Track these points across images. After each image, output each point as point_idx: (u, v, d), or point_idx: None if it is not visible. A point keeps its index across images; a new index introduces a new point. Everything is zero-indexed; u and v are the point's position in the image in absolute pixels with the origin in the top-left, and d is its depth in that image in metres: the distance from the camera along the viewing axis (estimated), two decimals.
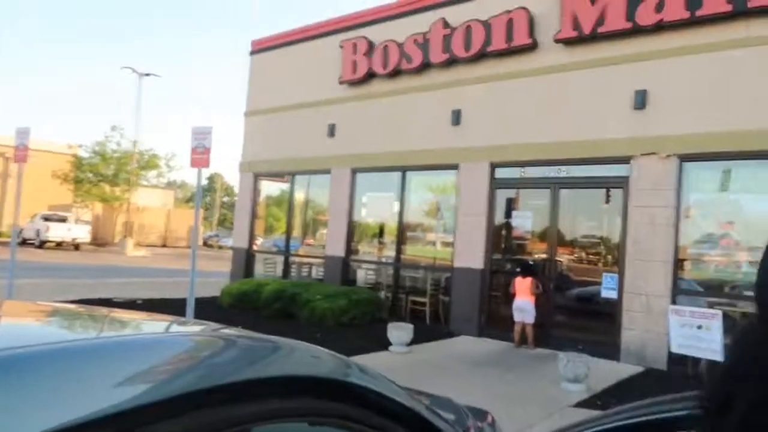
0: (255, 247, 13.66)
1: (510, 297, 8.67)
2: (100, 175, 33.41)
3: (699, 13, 7.52)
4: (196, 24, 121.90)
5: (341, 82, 11.59)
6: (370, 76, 11.16)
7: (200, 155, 8.03)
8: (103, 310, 1.88)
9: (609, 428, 1.61)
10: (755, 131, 7.19)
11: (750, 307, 7.45)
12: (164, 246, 38.74)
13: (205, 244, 42.52)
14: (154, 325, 1.85)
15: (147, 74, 33.18)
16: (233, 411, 1.12)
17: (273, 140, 13.02)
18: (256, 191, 13.55)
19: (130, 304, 10.11)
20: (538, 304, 8.41)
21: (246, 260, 13.33)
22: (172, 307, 9.51)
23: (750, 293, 7.40)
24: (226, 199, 72.28)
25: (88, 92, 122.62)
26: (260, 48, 13.79)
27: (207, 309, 10.43)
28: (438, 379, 6.39)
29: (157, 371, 1.10)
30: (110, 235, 35.79)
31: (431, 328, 9.73)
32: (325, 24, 12.39)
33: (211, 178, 69.04)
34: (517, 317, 8.43)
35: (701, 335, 6.42)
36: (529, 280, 8.39)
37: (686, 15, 7.62)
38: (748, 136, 7.24)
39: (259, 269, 13.23)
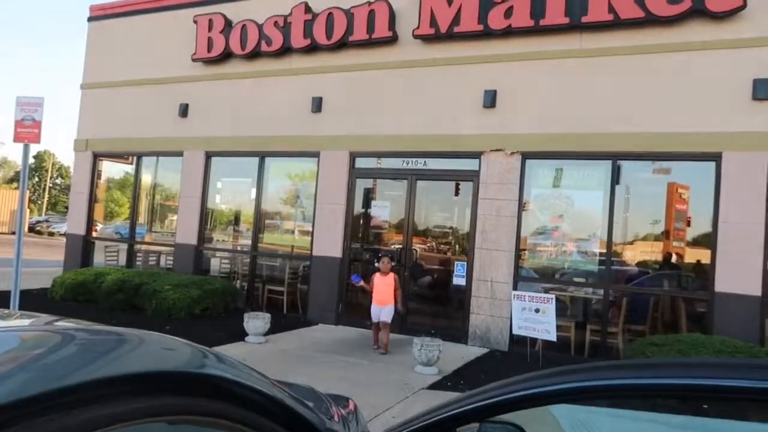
0: (94, 234, 12.45)
1: (368, 294, 7.93)
2: None
3: (542, 22, 8.18)
4: None
5: (194, 60, 10.91)
6: (227, 55, 10.65)
7: (28, 129, 7.09)
8: None
9: (490, 404, 1.67)
10: (584, 134, 8.02)
11: (577, 292, 8.36)
12: None
13: (32, 230, 37.91)
14: None
15: None
16: (77, 417, 0.96)
17: (116, 117, 11.92)
18: (95, 172, 12.31)
19: None
20: (397, 297, 7.71)
21: (83, 248, 12.09)
22: None
23: (578, 279, 8.32)
24: (59, 180, 65.15)
25: None
26: (101, 14, 12.51)
27: (35, 302, 9.31)
28: (296, 369, 6.31)
29: None
30: None
31: (289, 317, 9.61)
32: None
33: (39, 157, 61.76)
34: (375, 317, 7.68)
35: (539, 318, 7.05)
36: (391, 277, 7.62)
37: (531, 23, 8.25)
38: (579, 138, 8.05)
39: (99, 258, 12.08)
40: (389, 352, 7.45)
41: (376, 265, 8.01)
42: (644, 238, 8.22)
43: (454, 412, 1.68)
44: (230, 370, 1.72)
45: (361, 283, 7.86)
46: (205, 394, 1.47)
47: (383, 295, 7.60)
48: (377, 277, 7.72)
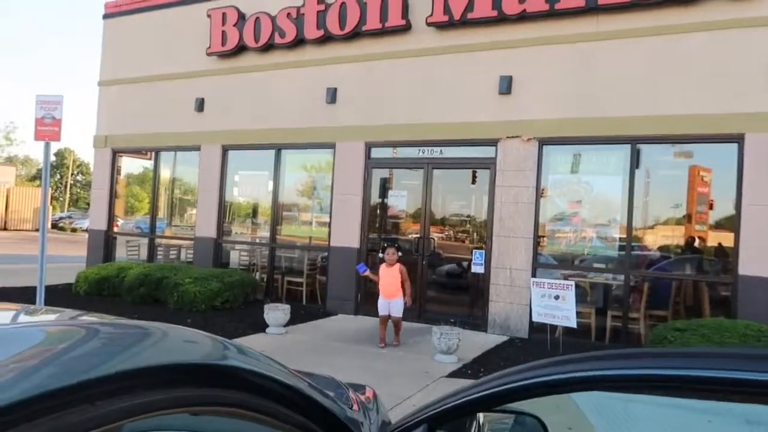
0: (115, 229, 12.63)
1: (375, 287, 7.60)
2: None
3: (557, 6, 8.06)
4: None
5: (209, 54, 10.96)
6: (241, 48, 10.67)
7: (48, 127, 7.19)
8: None
9: (500, 391, 1.66)
10: (602, 118, 7.91)
11: (597, 278, 8.29)
12: (4, 229, 34.59)
13: (55, 226, 38.59)
14: None
15: None
16: (102, 409, 0.98)
17: (134, 113, 12.04)
18: (114, 168, 12.48)
19: None
20: (405, 289, 7.29)
21: (105, 243, 12.29)
22: (16, 296, 8.53)
23: (598, 265, 8.25)
24: (80, 177, 66.12)
25: None
26: (116, 11, 12.60)
27: (60, 297, 9.51)
28: (317, 359, 6.36)
29: (4, 370, 0.93)
30: None
31: (308, 308, 9.68)
32: None
33: (60, 154, 62.70)
34: (383, 310, 7.31)
35: (558, 305, 7.01)
36: (396, 269, 7.24)
37: (546, 7, 8.13)
38: (597, 122, 7.95)
39: (121, 253, 12.27)
40: (403, 344, 7.35)
41: (380, 256, 7.56)
42: (665, 223, 8.11)
43: (469, 398, 1.68)
44: (250, 361, 1.74)
45: (367, 272, 7.51)
46: (226, 385, 1.50)
47: (390, 287, 7.24)
48: (383, 269, 7.36)
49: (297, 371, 2.98)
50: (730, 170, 7.34)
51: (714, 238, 7.79)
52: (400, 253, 7.42)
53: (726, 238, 7.50)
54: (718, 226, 7.74)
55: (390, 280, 7.22)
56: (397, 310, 7.23)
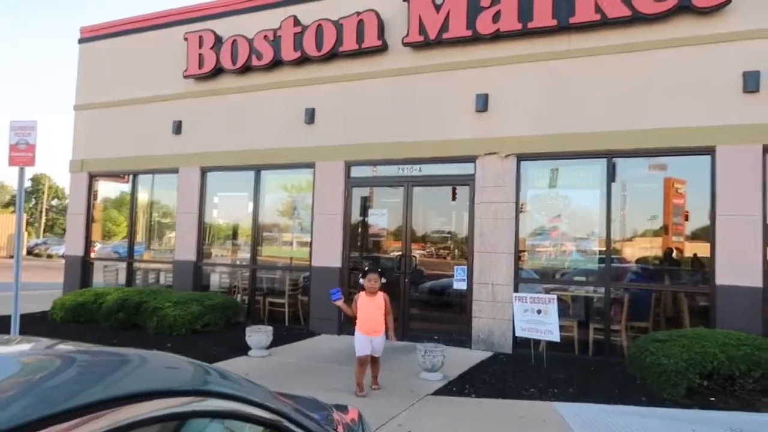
0: (93, 255, 12.42)
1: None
2: None
3: (530, 25, 8.22)
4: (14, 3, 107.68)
5: (186, 77, 10.94)
6: (219, 71, 10.68)
7: (22, 153, 7.09)
8: None
9: None
10: (578, 134, 8.05)
11: (578, 291, 8.36)
12: None
13: (30, 253, 37.81)
14: None
15: None
16: None
17: (110, 137, 11.93)
18: (91, 193, 12.31)
19: None
20: (387, 323, 6.06)
21: (82, 269, 12.07)
22: None
23: (579, 278, 8.32)
24: (55, 202, 65.04)
25: None
26: (92, 36, 12.55)
27: (36, 326, 9.29)
28: (301, 380, 6.29)
29: None
30: None
31: (291, 329, 9.59)
32: (167, 13, 11.61)
33: (36, 179, 61.72)
34: (364, 349, 5.90)
35: (541, 319, 7.04)
36: (381, 298, 5.99)
37: (519, 26, 8.30)
38: (573, 138, 8.08)
39: (99, 278, 12.06)
40: (388, 359, 6.97)
41: (361, 282, 6.09)
42: (643, 234, 8.23)
43: None
44: (232, 385, 1.72)
45: (341, 302, 5.98)
46: (206, 415, 1.47)
47: (373, 322, 5.92)
48: (363, 299, 5.98)
49: (280, 393, 2.95)
50: (704, 182, 7.50)
51: (691, 249, 7.92)
52: (383, 280, 6.13)
53: (702, 249, 7.64)
54: (695, 236, 7.88)
55: (373, 312, 5.94)
56: (380, 349, 6.02)
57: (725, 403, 5.72)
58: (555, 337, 7.03)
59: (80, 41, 12.71)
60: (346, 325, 9.28)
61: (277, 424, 1.66)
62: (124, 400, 1.28)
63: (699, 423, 5.15)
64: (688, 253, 7.97)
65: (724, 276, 7.19)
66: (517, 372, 6.95)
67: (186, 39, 10.89)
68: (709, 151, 7.40)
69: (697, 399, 5.80)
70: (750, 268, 7.06)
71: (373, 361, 6.06)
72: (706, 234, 7.52)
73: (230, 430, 1.71)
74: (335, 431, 2.12)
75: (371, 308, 5.96)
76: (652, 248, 8.17)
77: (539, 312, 7.06)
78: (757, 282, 7.01)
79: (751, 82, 7.18)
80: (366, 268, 6.20)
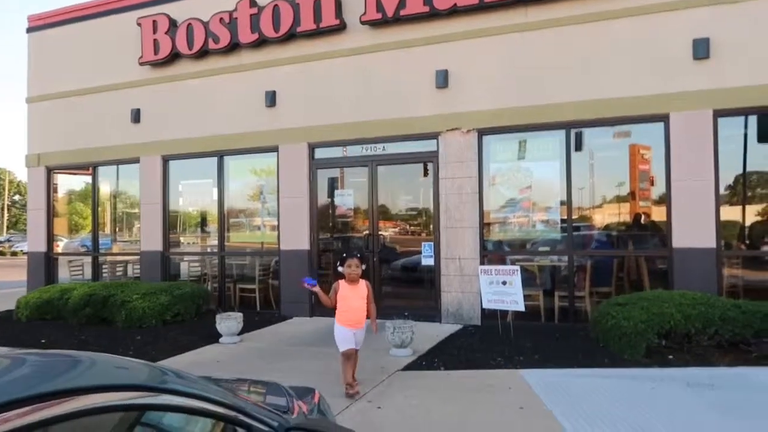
0: (57, 250, 12.18)
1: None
2: None
3: None
4: None
5: (142, 63, 10.68)
6: (175, 56, 10.45)
7: None
8: None
9: None
10: (538, 106, 8.14)
11: (543, 261, 8.54)
12: None
13: None
14: None
15: None
16: None
17: (67, 129, 11.62)
18: (51, 187, 12.01)
19: None
20: (370, 312, 5.46)
21: (46, 265, 11.83)
22: None
23: (543, 249, 8.50)
24: (17, 198, 63.19)
25: None
26: (41, 24, 12.12)
27: (0, 326, 9.11)
28: (272, 364, 6.33)
29: None
30: None
31: (263, 314, 9.60)
32: None
33: None
34: (348, 343, 5.29)
35: (506, 290, 7.19)
36: (364, 286, 5.40)
37: (476, 0, 8.29)
38: (533, 110, 8.18)
39: (64, 274, 11.83)
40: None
41: (340, 270, 5.39)
42: (604, 202, 8.42)
43: None
44: (184, 383, 1.80)
45: (316, 288, 5.27)
46: (161, 408, 1.58)
47: (357, 313, 5.30)
48: (345, 288, 5.34)
49: (240, 380, 2.99)
50: (661, 149, 7.69)
51: (654, 214, 8.14)
52: (364, 266, 5.51)
53: (661, 213, 7.86)
54: (654, 202, 8.10)
55: (357, 302, 5.31)
56: (362, 340, 5.46)
57: (683, 360, 5.97)
58: (520, 306, 7.20)
59: (28, 30, 12.27)
60: (318, 307, 9.34)
61: (233, 418, 1.80)
62: (76, 391, 1.49)
63: (658, 380, 5.37)
64: (647, 219, 8.19)
65: (680, 239, 7.44)
66: (485, 343, 7.11)
67: (139, 24, 10.60)
68: (664, 118, 7.58)
69: (656, 358, 6.04)
70: (704, 230, 7.31)
71: (354, 355, 5.40)
72: (664, 199, 7.74)
73: (192, 423, 1.81)
74: (288, 414, 2.19)
75: (354, 298, 5.30)
76: (613, 215, 8.37)
77: (504, 283, 7.21)
78: (711, 243, 7.27)
79: (701, 49, 7.34)
80: (344, 254, 5.47)
